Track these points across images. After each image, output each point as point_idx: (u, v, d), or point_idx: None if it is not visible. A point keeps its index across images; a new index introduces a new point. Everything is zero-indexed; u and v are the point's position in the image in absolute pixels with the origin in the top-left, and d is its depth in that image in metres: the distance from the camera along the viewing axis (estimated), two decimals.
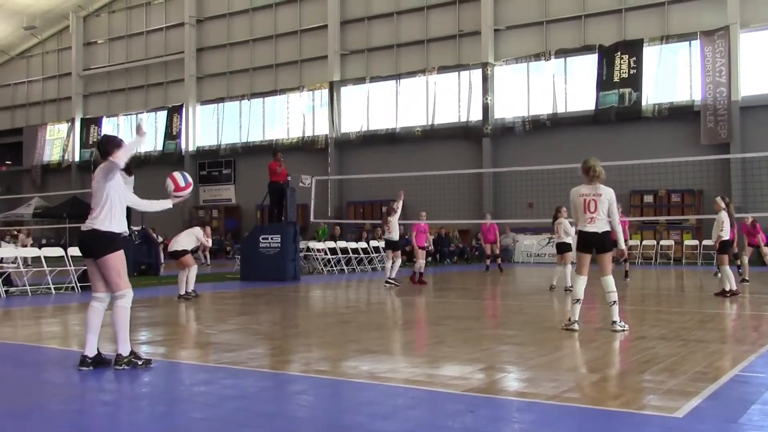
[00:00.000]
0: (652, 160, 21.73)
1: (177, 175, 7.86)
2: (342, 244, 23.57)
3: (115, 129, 42.81)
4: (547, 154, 26.46)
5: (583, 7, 28.89)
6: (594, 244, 8.42)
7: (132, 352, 6.49)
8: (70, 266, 15.03)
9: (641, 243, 26.30)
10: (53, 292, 14.37)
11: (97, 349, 6.49)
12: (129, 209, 17.14)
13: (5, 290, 13.99)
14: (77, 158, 43.59)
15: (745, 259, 16.52)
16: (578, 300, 8.50)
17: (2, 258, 15.45)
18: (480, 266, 23.21)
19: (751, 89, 25.74)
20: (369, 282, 18.70)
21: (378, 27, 33.65)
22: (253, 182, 31.96)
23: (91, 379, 6.29)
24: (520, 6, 30.14)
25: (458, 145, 30.70)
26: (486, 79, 30.17)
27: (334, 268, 22.04)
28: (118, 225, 6.58)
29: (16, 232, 23.13)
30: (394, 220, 16.05)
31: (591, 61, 28.48)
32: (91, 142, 43.05)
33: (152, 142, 41.00)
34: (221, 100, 38.26)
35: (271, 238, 18.41)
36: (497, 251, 22.31)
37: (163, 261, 22.05)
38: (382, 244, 24.28)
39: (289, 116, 36.09)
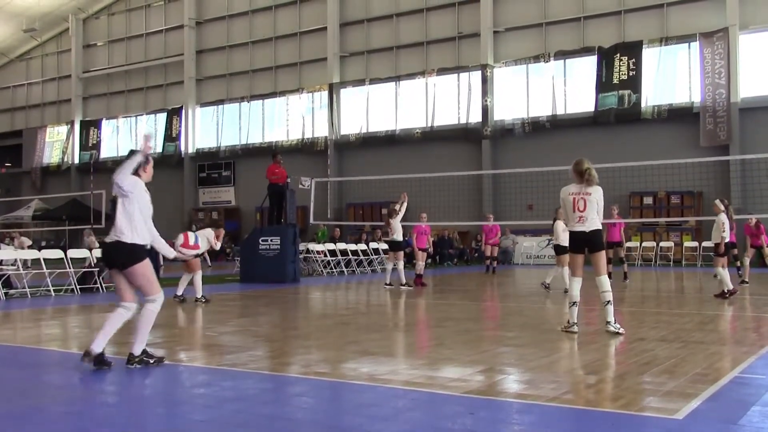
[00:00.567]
0: (652, 162, 21.73)
1: (190, 234, 8.57)
2: (342, 245, 23.57)
3: (115, 131, 42.84)
4: (546, 156, 26.46)
5: (583, 8, 28.91)
6: (584, 243, 8.39)
7: (144, 351, 6.59)
8: (70, 268, 15.03)
9: (641, 244, 26.31)
10: (53, 294, 14.37)
11: (103, 349, 6.56)
12: None
13: (5, 292, 13.99)
14: (77, 160, 43.57)
15: (746, 261, 16.49)
16: (575, 303, 8.49)
17: (2, 260, 15.44)
18: (480, 267, 23.20)
19: (751, 91, 25.75)
20: (369, 284, 18.70)
21: (377, 29, 33.67)
22: (253, 184, 31.95)
23: (91, 381, 6.29)
24: (520, 8, 30.17)
25: (458, 147, 30.71)
26: (485, 81, 30.18)
27: (334, 270, 22.04)
28: (141, 237, 6.64)
29: (16, 234, 23.10)
30: (396, 222, 16.05)
31: (590, 62, 28.50)
32: (90, 145, 43.07)
33: (151, 143, 40.87)
34: (221, 102, 38.27)
35: (271, 240, 18.41)
36: (495, 253, 22.33)
37: (162, 263, 22.03)
38: (382, 245, 24.33)
39: (288, 118, 36.10)
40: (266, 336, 8.87)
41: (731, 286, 12.52)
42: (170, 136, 39.63)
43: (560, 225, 14.47)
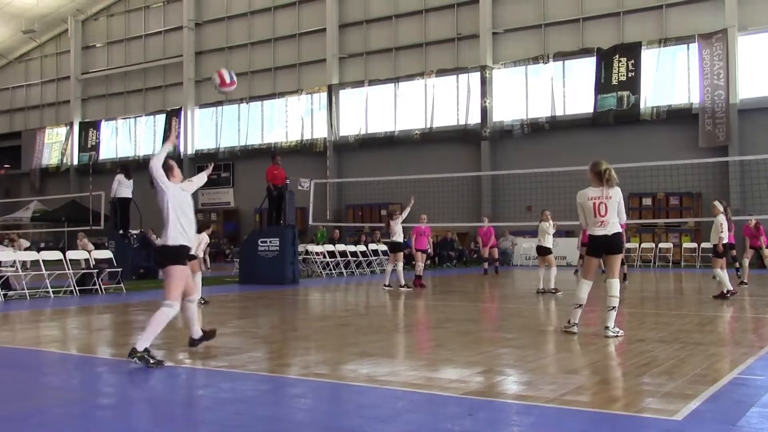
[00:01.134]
0: (651, 163, 21.74)
1: (224, 71, 8.54)
2: (341, 247, 23.58)
3: (114, 132, 42.82)
4: (545, 157, 26.49)
5: (581, 10, 28.93)
6: (605, 247, 8.29)
7: (146, 350, 6.65)
8: (69, 270, 15.02)
9: (640, 246, 26.31)
10: (52, 295, 14.36)
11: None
12: (128, 209, 17.41)
13: (4, 294, 13.98)
14: (76, 162, 43.53)
15: (746, 262, 16.47)
16: (581, 305, 8.46)
17: (1, 262, 15.43)
18: (479, 269, 23.21)
19: (749, 92, 25.76)
20: (368, 285, 18.70)
21: (376, 30, 33.68)
22: (252, 185, 31.94)
23: (90, 383, 6.29)
24: (519, 9, 30.18)
25: (457, 148, 30.71)
26: (484, 82, 30.19)
27: (333, 271, 22.04)
28: (173, 239, 6.87)
29: (14, 236, 23.08)
30: (397, 223, 16.05)
31: (589, 64, 28.51)
32: (89, 146, 43.04)
33: (151, 145, 41.01)
34: (220, 103, 38.25)
35: (270, 242, 18.41)
36: (495, 254, 22.36)
37: None
38: (382, 246, 24.35)
39: (287, 119, 36.09)
40: (265, 337, 8.87)
41: (730, 287, 12.54)
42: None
43: (544, 226, 14.60)
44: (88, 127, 43.31)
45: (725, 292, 12.46)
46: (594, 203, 8.22)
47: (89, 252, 16.10)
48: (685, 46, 26.93)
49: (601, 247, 8.32)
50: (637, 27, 27.76)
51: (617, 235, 8.29)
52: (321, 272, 21.86)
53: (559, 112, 29.11)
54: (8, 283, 14.59)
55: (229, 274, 22.07)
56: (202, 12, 39.16)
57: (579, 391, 5.50)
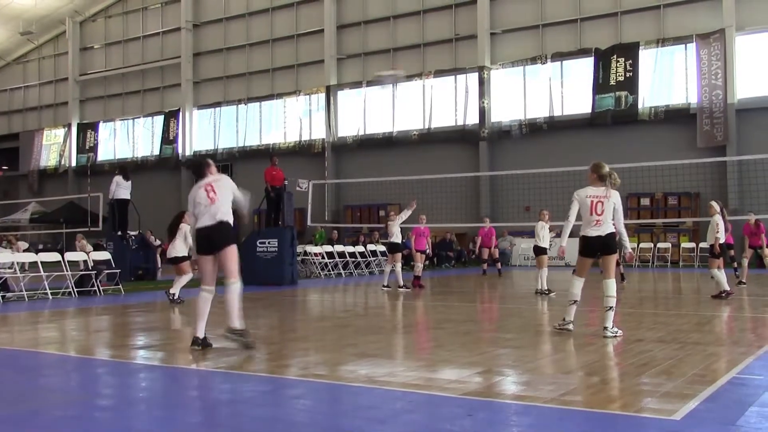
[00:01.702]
0: (649, 163, 21.74)
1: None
2: (339, 247, 23.57)
3: (112, 134, 42.80)
4: (544, 158, 26.50)
5: (579, 10, 28.95)
6: (598, 247, 8.33)
7: (245, 330, 7.38)
8: (67, 271, 15.01)
9: (638, 246, 26.31)
10: (50, 297, 14.34)
11: (204, 333, 7.47)
12: (126, 210, 17.51)
13: (2, 296, 13.96)
14: (74, 163, 43.50)
15: (745, 261, 16.43)
16: (575, 301, 8.49)
17: None
18: (477, 270, 23.21)
19: (747, 92, 25.78)
20: (366, 286, 18.69)
21: (374, 31, 33.68)
22: (251, 186, 31.65)
23: (89, 384, 6.28)
24: (517, 9, 30.19)
25: (455, 149, 30.72)
26: (482, 83, 30.19)
27: (332, 272, 22.03)
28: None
29: (14, 239, 23.06)
30: (395, 224, 16.05)
31: (587, 64, 28.53)
32: (87, 147, 43.01)
33: (149, 146, 41.00)
34: (218, 104, 38.26)
35: (269, 243, 18.41)
36: (496, 255, 22.35)
37: (160, 265, 22.02)
38: (380, 247, 24.35)
39: (285, 120, 36.08)
40: (264, 338, 8.86)
41: (727, 288, 12.55)
42: (167, 139, 39.59)
43: (538, 226, 14.62)
44: (86, 128, 43.29)
45: (722, 292, 12.48)
46: (592, 201, 8.28)
47: (88, 253, 16.08)
48: (683, 46, 26.95)
49: (595, 248, 8.34)
50: (635, 27, 27.78)
51: (612, 234, 8.34)
52: (319, 273, 21.86)
53: (557, 113, 29.12)
54: (7, 284, 14.57)
55: None
56: (200, 13, 39.15)
57: (578, 391, 5.50)
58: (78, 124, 43.67)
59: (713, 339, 8.18)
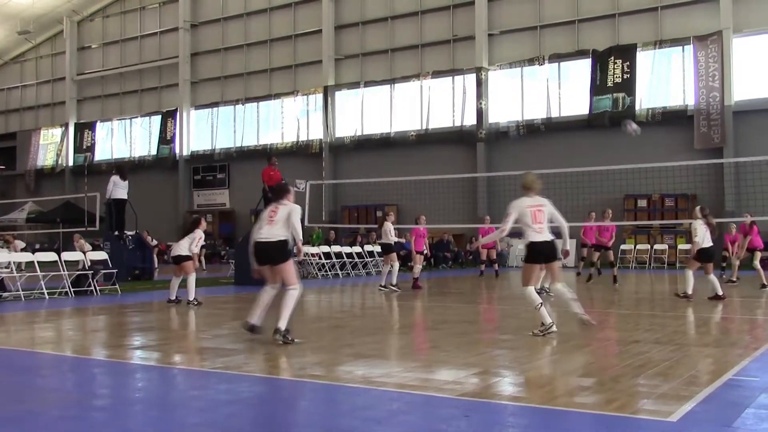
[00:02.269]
0: (646, 165, 21.77)
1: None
2: (336, 248, 23.56)
3: (109, 134, 42.77)
4: (541, 159, 26.51)
5: (577, 12, 28.98)
6: (546, 253, 8.70)
7: (287, 330, 7.89)
8: (64, 271, 14.98)
9: (635, 247, 26.35)
10: (46, 297, 14.32)
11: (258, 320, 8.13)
12: (123, 210, 17.66)
13: None
14: (71, 163, 43.45)
15: (736, 261, 16.43)
16: (540, 304, 8.60)
17: None
18: (475, 270, 23.21)
19: (744, 94, 25.84)
20: (364, 286, 18.69)
21: (372, 32, 33.69)
22: (248, 187, 31.92)
23: (86, 385, 6.27)
24: (514, 11, 30.22)
25: (452, 150, 30.73)
26: (480, 84, 30.22)
27: (329, 273, 22.03)
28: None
29: (11, 238, 23.00)
30: (387, 225, 16.06)
31: (585, 65, 28.57)
32: (84, 147, 42.97)
33: (146, 146, 40.97)
34: (215, 104, 38.24)
35: None
36: (494, 256, 22.32)
37: (156, 265, 22.01)
38: (377, 248, 24.33)
39: (283, 121, 36.08)
40: (261, 339, 8.86)
41: (690, 291, 12.39)
42: (165, 139, 39.59)
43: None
44: (84, 128, 43.25)
45: (686, 293, 12.36)
46: (532, 211, 8.73)
47: (85, 253, 16.06)
48: (680, 47, 27.00)
49: (543, 253, 8.69)
50: (633, 29, 27.82)
51: (554, 241, 8.80)
52: (316, 273, 21.85)
53: (554, 114, 29.16)
54: (3, 284, 14.54)
55: (225, 275, 22.04)
56: (198, 13, 39.13)
57: (574, 392, 5.50)
58: (75, 123, 43.64)
59: (710, 340, 8.19)
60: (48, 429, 4.68)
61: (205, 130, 38.96)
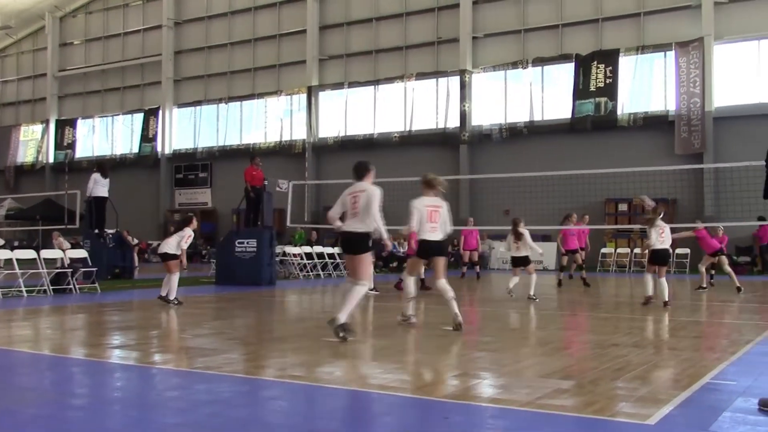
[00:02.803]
0: (627, 169, 21.94)
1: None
2: (318, 249, 23.52)
3: (91, 131, 42.46)
4: (523, 162, 26.64)
5: (561, 16, 29.15)
6: (436, 251, 9.33)
7: (345, 324, 8.00)
8: (43, 269, 14.85)
9: (615, 251, 26.53)
10: (25, 294, 14.19)
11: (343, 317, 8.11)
12: (103, 208, 17.50)
13: None
14: (51, 160, 43.09)
15: (702, 268, 16.49)
16: (414, 297, 9.50)
17: None
18: (456, 272, 23.26)
19: (724, 100, 26.10)
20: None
21: (357, 32, 33.70)
22: (230, 186, 31.82)
23: (63, 384, 6.22)
24: (498, 14, 30.34)
25: (436, 152, 30.80)
26: (464, 86, 30.31)
27: (310, 273, 21.99)
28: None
29: None
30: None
31: (568, 69, 28.74)
32: (65, 144, 42.62)
33: (128, 144, 40.71)
34: (198, 103, 38.08)
35: (247, 243, 18.34)
36: (476, 258, 22.36)
37: (137, 264, 21.87)
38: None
39: (266, 120, 36.00)
40: (241, 339, 8.83)
41: (650, 294, 12.30)
42: (147, 137, 39.37)
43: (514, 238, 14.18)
44: (65, 124, 42.91)
45: (647, 297, 12.30)
46: (429, 210, 9.26)
47: (64, 251, 15.92)
48: (662, 53, 27.24)
49: (431, 251, 9.34)
50: (616, 34, 28.02)
51: (445, 241, 9.45)
52: (298, 274, 21.81)
53: (537, 117, 29.30)
54: None
55: (206, 274, 21.94)
56: (181, 11, 38.96)
57: (554, 395, 5.53)
58: (56, 120, 43.28)
59: (688, 344, 8.26)
60: (25, 428, 4.64)
61: (187, 129, 38.79)
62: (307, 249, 23.07)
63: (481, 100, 30.55)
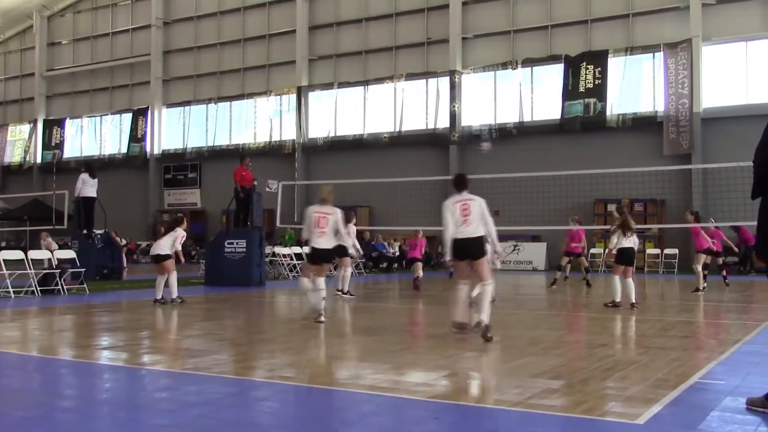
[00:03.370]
0: (616, 170, 22.00)
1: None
2: (308, 249, 23.46)
3: (79, 131, 42.24)
4: (513, 162, 26.68)
5: (550, 17, 29.22)
6: (321, 257, 10.15)
7: (489, 326, 8.17)
8: (30, 270, 14.76)
9: (605, 251, 26.57)
10: (12, 296, 14.10)
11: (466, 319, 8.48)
12: (92, 208, 17.43)
13: None
14: (39, 160, 42.83)
15: (698, 268, 16.48)
16: (324, 298, 9.96)
17: None
18: (445, 273, 23.26)
19: (712, 101, 26.23)
20: (334, 288, 18.62)
21: (346, 33, 33.68)
22: (219, 186, 31.73)
23: (51, 385, 6.19)
24: (488, 15, 30.39)
25: (425, 152, 30.81)
26: (453, 87, 30.34)
27: (300, 274, 21.93)
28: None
29: None
30: (351, 227, 15.92)
31: (557, 70, 28.81)
32: (53, 144, 42.39)
33: (116, 144, 40.54)
34: (188, 103, 37.94)
35: (237, 243, 18.29)
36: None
37: (125, 265, 21.78)
38: (351, 249, 24.25)
39: (256, 121, 35.92)
40: (231, 340, 8.81)
41: (618, 299, 12.24)
42: (136, 137, 39.19)
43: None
44: (53, 124, 42.66)
45: (614, 301, 12.15)
46: (317, 217, 10.21)
47: (52, 252, 15.83)
48: (651, 54, 27.34)
49: (317, 257, 10.20)
50: (605, 35, 28.12)
51: (331, 248, 10.38)
52: (288, 274, 21.77)
53: (526, 118, 29.36)
54: None
55: (195, 275, 21.87)
56: (170, 11, 38.82)
57: (543, 394, 5.54)
58: (44, 120, 43.03)
59: (677, 344, 8.29)
60: (13, 430, 4.61)
61: (176, 129, 38.64)
62: (297, 249, 23.02)
63: (471, 100, 30.58)
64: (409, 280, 21.88)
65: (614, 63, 27.72)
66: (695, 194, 25.08)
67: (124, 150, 39.83)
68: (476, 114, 30.39)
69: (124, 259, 21.72)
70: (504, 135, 29.47)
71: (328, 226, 10.05)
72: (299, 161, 33.55)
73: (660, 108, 26.81)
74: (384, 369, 6.63)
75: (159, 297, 12.82)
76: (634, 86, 27.66)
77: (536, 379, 6.20)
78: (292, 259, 22.24)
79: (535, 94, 29.54)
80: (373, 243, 26.86)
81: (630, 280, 12.15)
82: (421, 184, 26.78)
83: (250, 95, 35.85)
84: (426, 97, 31.64)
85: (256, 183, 19.17)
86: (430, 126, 31.32)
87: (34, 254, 15.65)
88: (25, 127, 44.01)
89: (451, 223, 8.72)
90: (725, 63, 26.52)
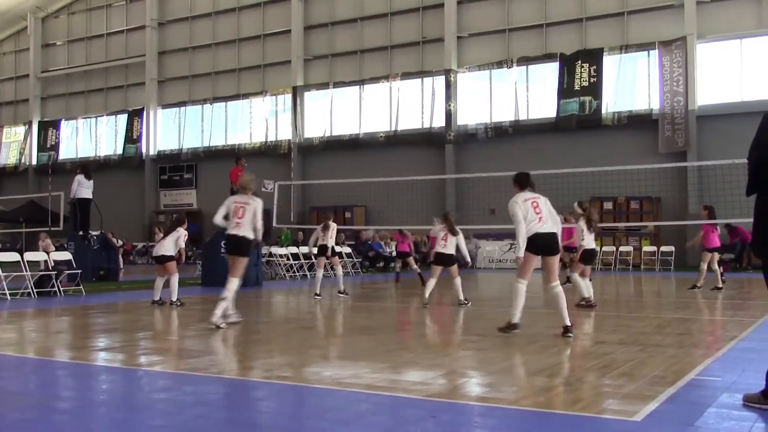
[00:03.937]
0: (612, 168, 22.03)
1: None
2: (304, 249, 23.45)
3: (74, 132, 42.16)
4: (509, 161, 26.69)
5: (545, 15, 29.26)
6: (235, 248, 9.93)
7: (569, 325, 8.30)
8: (27, 272, 14.74)
9: (600, 249, 26.60)
10: (8, 298, 14.07)
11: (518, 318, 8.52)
12: (87, 210, 17.39)
13: None
14: (34, 161, 42.77)
15: (704, 266, 16.45)
16: (226, 298, 9.64)
17: None
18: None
19: (708, 99, 26.30)
20: (331, 287, 18.63)
21: (342, 32, 33.67)
22: (215, 187, 31.69)
23: (48, 387, 6.18)
24: (483, 14, 30.42)
25: (421, 151, 30.83)
26: (449, 86, 30.37)
27: (297, 274, 21.95)
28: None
29: None
30: (333, 225, 15.96)
31: (552, 69, 28.84)
32: (48, 146, 42.30)
33: (112, 145, 40.48)
34: (183, 103, 37.91)
35: None
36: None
37: (122, 266, 21.74)
38: (346, 249, 24.30)
39: (251, 121, 35.90)
40: (228, 340, 8.80)
41: (586, 296, 12.11)
42: (131, 138, 39.15)
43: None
44: (48, 126, 42.60)
45: (583, 300, 11.98)
46: (236, 206, 9.94)
47: (48, 253, 15.79)
48: (646, 52, 27.41)
49: (229, 247, 10.17)
50: (599, 33, 28.17)
51: (245, 237, 9.93)
52: (284, 274, 21.76)
53: (522, 117, 29.40)
54: None
55: (192, 276, 21.84)
56: (165, 11, 38.77)
57: (541, 392, 5.55)
58: (39, 121, 42.96)
59: (673, 341, 8.31)
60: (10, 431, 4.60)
61: (172, 130, 38.61)
62: (294, 249, 23.02)
63: (467, 99, 30.62)
64: (408, 279, 21.91)
65: (609, 61, 27.76)
66: (691, 191, 25.14)
67: (119, 151, 39.78)
68: (472, 113, 30.43)
69: (121, 260, 21.69)
70: (499, 134, 29.51)
71: (245, 216, 9.81)
72: (295, 161, 33.55)
73: (655, 106, 26.87)
74: (381, 368, 6.63)
75: (157, 298, 12.80)
76: (629, 84, 27.71)
77: (533, 377, 6.20)
78: (288, 259, 22.23)
79: (530, 93, 29.59)
80: (369, 242, 26.85)
81: (587, 279, 12.07)
82: (416, 183, 26.82)
83: (246, 95, 35.84)
84: (421, 96, 31.66)
85: None
86: (426, 125, 31.33)
87: (30, 256, 15.61)
88: (20, 129, 43.92)
89: (522, 219, 8.67)
90: (720, 60, 26.60)
